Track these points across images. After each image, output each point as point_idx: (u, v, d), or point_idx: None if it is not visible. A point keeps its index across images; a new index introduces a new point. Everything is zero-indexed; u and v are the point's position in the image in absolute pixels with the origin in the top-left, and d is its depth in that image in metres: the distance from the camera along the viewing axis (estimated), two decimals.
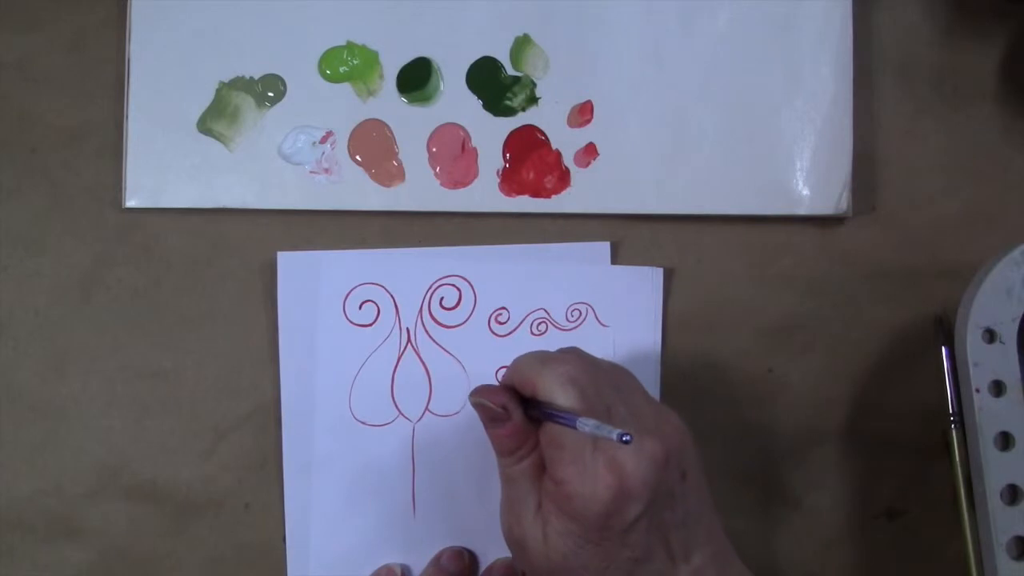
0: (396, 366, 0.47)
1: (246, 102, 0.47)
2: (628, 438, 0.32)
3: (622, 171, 0.48)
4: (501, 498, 0.39)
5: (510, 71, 0.48)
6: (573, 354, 0.39)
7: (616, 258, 0.48)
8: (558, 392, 0.36)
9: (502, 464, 0.39)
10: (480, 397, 0.38)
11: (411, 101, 0.48)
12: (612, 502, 0.34)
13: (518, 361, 0.39)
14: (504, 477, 0.39)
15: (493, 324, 0.47)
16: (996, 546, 0.42)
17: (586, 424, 0.34)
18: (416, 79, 0.48)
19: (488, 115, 0.48)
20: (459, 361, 0.47)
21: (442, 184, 0.48)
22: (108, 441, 0.47)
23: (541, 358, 0.38)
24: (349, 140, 0.48)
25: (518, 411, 0.38)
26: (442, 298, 0.47)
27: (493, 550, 0.47)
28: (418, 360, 0.47)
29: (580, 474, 0.35)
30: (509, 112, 0.48)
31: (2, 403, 0.47)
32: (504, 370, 0.47)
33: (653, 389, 0.47)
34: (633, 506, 0.35)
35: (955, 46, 0.50)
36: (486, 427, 0.39)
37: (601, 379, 0.37)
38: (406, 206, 0.47)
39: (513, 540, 0.38)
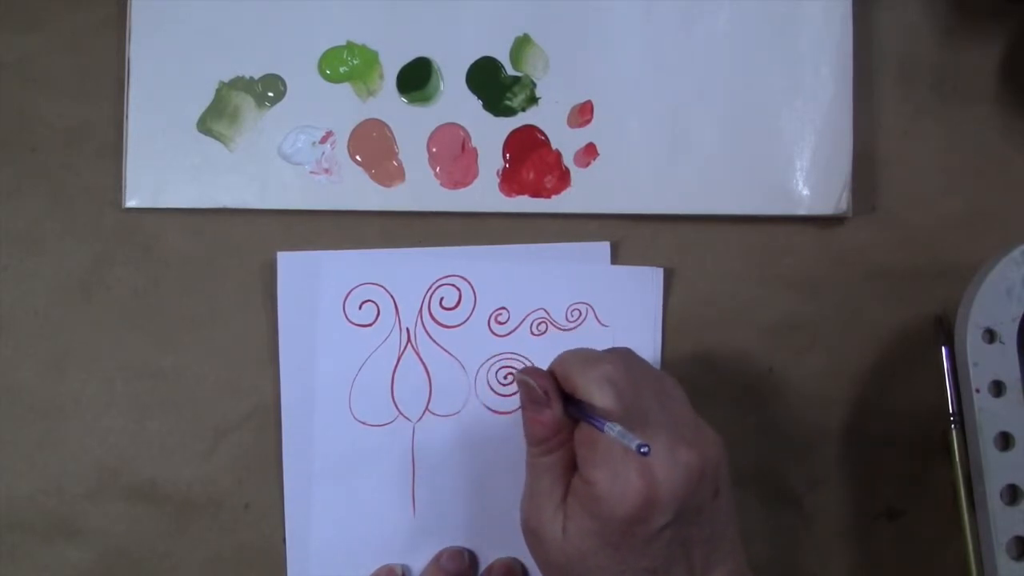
0: (396, 366, 0.47)
1: (246, 102, 0.47)
2: (646, 449, 0.32)
3: (622, 171, 0.48)
4: (524, 488, 0.39)
5: (510, 71, 0.48)
6: (619, 355, 0.39)
7: (616, 258, 0.48)
8: (595, 392, 0.36)
9: (531, 453, 0.39)
10: (527, 376, 0.38)
11: (411, 101, 0.48)
12: (640, 508, 0.34)
13: (563, 356, 0.39)
14: (530, 467, 0.39)
15: (493, 324, 0.47)
16: (996, 546, 0.42)
17: (612, 428, 0.34)
18: (416, 79, 0.48)
19: (488, 115, 0.48)
20: (459, 361, 0.47)
21: (442, 184, 0.48)
22: (108, 441, 0.47)
23: (585, 357, 0.38)
24: (349, 140, 0.48)
25: (558, 402, 0.38)
26: (442, 298, 0.47)
27: (493, 550, 0.47)
28: (418, 360, 0.47)
29: (611, 477, 0.35)
30: (509, 112, 0.48)
31: (2, 403, 0.47)
32: (504, 368, 0.47)
33: None
34: (660, 516, 0.34)
35: (955, 46, 0.50)
36: (524, 408, 0.38)
37: (643, 384, 0.37)
38: (406, 206, 0.47)
39: (530, 530, 0.38)
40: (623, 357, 0.39)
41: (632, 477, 0.34)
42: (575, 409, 0.37)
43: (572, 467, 0.37)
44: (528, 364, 0.47)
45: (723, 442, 0.37)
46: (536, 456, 0.38)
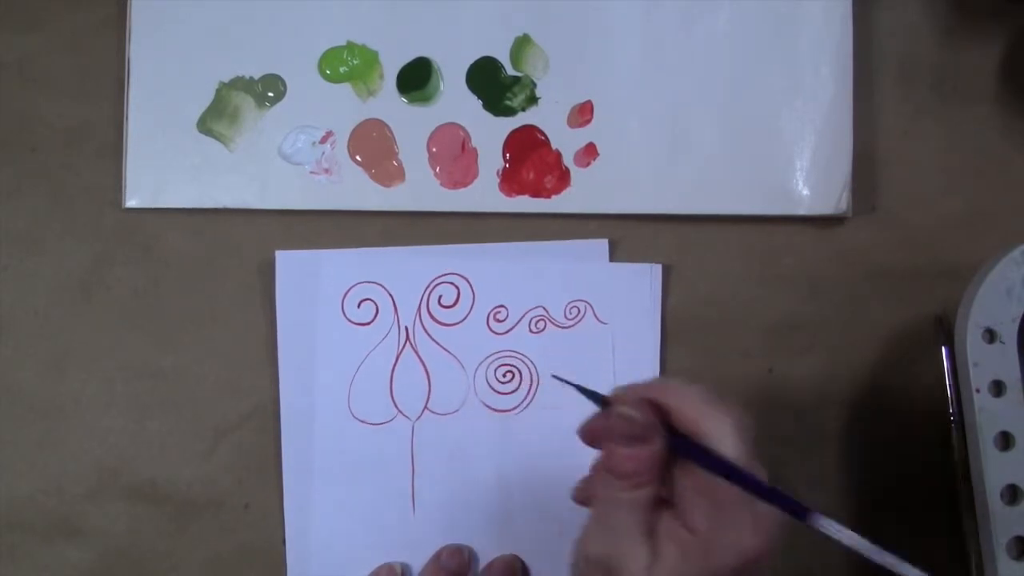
0: (395, 364, 0.47)
1: (246, 102, 0.47)
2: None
3: (622, 171, 0.48)
4: (590, 518, 0.35)
5: (510, 71, 0.48)
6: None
7: (615, 257, 0.48)
8: (728, 442, 0.33)
9: (611, 486, 0.34)
10: (631, 409, 0.34)
11: (411, 101, 0.48)
12: (751, 561, 0.33)
13: (675, 388, 0.35)
14: (607, 499, 0.34)
15: (491, 322, 0.47)
16: (996, 546, 0.42)
17: (830, 525, 0.33)
18: (416, 79, 0.48)
19: (488, 115, 0.48)
20: (458, 359, 0.47)
21: (442, 184, 0.48)
22: (108, 441, 0.47)
23: (707, 396, 0.34)
24: (349, 140, 0.48)
25: (662, 438, 0.34)
26: (440, 296, 0.47)
27: (492, 547, 0.46)
28: (417, 358, 0.47)
29: (724, 527, 0.33)
30: (509, 112, 0.48)
31: (2, 403, 0.47)
32: (503, 367, 0.47)
33: None
34: (761, 570, 0.33)
35: (955, 46, 0.50)
36: (611, 441, 0.34)
37: None
38: (406, 206, 0.47)
39: (594, 561, 0.34)
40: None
41: (747, 535, 0.33)
42: (687, 450, 0.33)
43: (657, 502, 0.34)
44: (527, 363, 0.47)
45: None
46: (619, 490, 0.34)
